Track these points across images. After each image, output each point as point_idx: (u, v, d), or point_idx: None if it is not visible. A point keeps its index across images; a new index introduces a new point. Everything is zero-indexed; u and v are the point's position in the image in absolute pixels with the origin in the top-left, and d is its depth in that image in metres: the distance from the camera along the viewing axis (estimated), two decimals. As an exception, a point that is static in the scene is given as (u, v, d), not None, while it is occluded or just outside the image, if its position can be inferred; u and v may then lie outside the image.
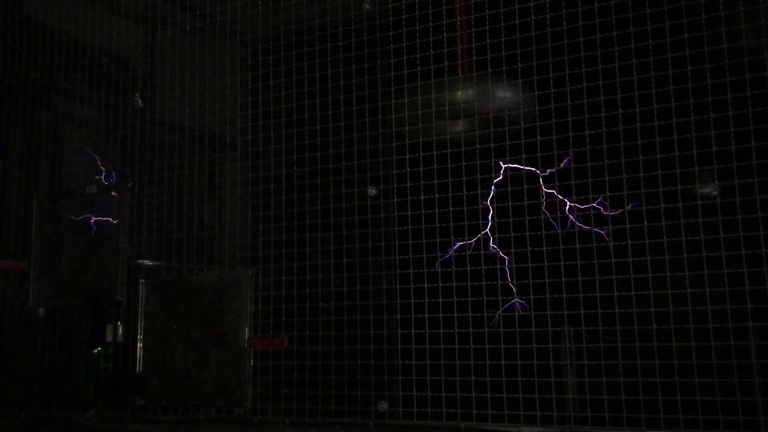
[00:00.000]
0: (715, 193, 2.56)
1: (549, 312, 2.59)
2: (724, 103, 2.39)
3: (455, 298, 2.70)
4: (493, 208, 2.72)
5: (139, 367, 3.24)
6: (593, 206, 2.57)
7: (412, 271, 2.83)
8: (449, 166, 2.81)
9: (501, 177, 2.75)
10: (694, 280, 2.39)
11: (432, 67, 2.88)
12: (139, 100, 3.62)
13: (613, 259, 2.49)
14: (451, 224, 2.77)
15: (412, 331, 2.78)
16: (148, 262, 3.36)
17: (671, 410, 2.36)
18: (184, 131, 3.45)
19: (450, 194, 2.79)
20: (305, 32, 3.17)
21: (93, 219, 3.43)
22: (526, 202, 2.68)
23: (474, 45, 2.83)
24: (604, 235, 2.55)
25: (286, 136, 3.15)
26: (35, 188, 3.71)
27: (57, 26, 3.77)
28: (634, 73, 2.52)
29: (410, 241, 2.85)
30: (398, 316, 2.86)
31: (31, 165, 3.78)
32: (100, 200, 3.43)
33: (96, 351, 3.32)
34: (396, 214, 2.92)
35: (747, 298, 2.32)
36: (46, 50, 3.78)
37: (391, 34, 2.98)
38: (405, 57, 2.92)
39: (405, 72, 2.92)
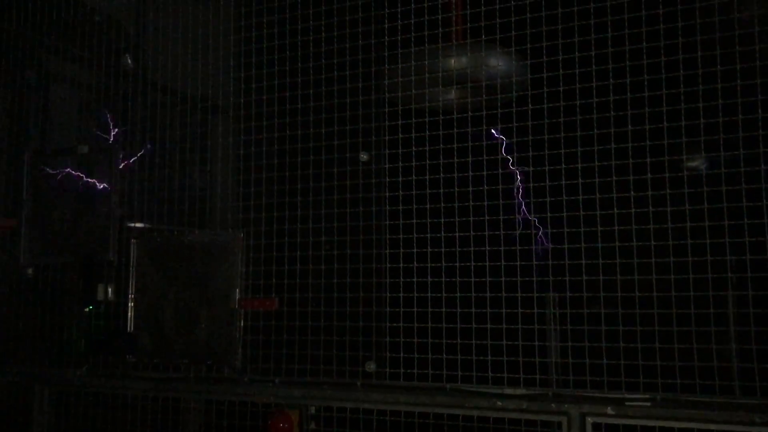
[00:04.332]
0: (702, 164, 2.60)
1: (534, 278, 2.64)
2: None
3: (443, 263, 2.75)
4: (483, 174, 2.75)
5: (130, 325, 3.27)
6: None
7: (401, 236, 2.86)
8: (441, 132, 2.82)
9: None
10: (678, 249, 2.45)
11: (426, 33, 2.87)
12: (129, 61, 3.59)
13: (599, 228, 2.54)
14: (441, 191, 2.80)
15: (401, 294, 2.82)
16: (139, 225, 3.37)
17: (650, 375, 2.43)
18: (176, 93, 3.43)
19: (441, 161, 2.81)
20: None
21: (84, 178, 3.43)
22: (516, 170, 2.71)
23: (469, 12, 2.83)
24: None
25: (278, 100, 3.15)
26: (25, 146, 3.69)
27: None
28: (626, 43, 2.53)
29: (400, 207, 2.88)
30: (387, 280, 2.90)
31: (21, 123, 3.75)
32: (91, 160, 3.42)
33: (88, 309, 3.35)
34: (387, 179, 2.95)
35: (728, 267, 2.38)
36: (36, 7, 3.73)
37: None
38: (399, 22, 2.92)
39: (399, 38, 2.91)
